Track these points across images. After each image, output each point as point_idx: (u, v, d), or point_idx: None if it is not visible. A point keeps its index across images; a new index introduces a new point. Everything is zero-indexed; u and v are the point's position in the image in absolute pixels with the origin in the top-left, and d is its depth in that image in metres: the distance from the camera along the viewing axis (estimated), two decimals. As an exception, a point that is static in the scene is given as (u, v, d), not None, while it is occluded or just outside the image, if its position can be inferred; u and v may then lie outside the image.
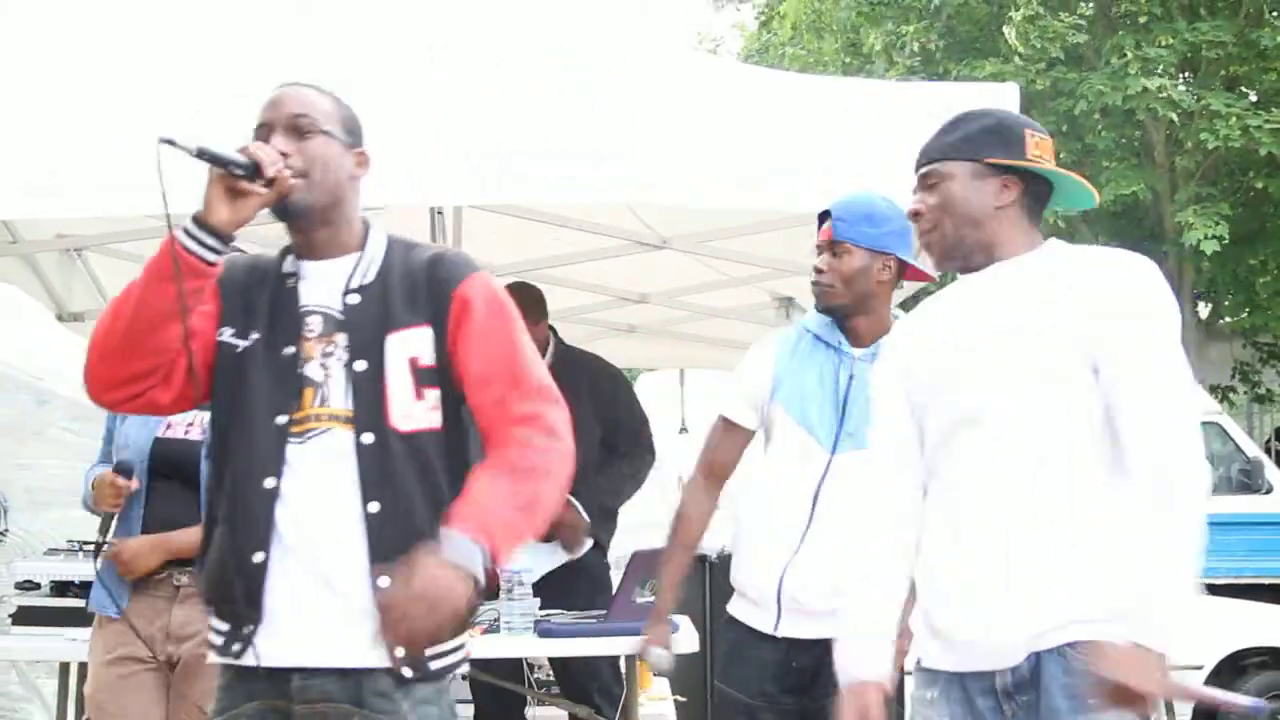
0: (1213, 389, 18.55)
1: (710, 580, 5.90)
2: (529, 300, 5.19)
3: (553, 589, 4.77)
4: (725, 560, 5.81)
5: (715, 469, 3.94)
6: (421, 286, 2.65)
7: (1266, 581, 10.59)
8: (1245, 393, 20.92)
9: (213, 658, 2.65)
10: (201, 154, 2.48)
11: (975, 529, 2.72)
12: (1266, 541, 10.90)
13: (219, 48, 4.12)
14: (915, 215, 2.88)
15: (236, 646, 2.58)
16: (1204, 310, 20.05)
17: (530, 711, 5.34)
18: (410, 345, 2.63)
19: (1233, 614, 8.88)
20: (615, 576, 5.25)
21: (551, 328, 5.34)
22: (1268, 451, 15.24)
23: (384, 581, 2.49)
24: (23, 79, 4.02)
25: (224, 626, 2.62)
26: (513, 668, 4.99)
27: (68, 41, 4.06)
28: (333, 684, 2.54)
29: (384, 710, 2.54)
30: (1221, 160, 17.85)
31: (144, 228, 4.93)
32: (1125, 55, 16.20)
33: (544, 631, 4.27)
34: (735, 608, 3.89)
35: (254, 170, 2.52)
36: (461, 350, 2.63)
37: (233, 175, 2.50)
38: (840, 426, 3.72)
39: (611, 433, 5.23)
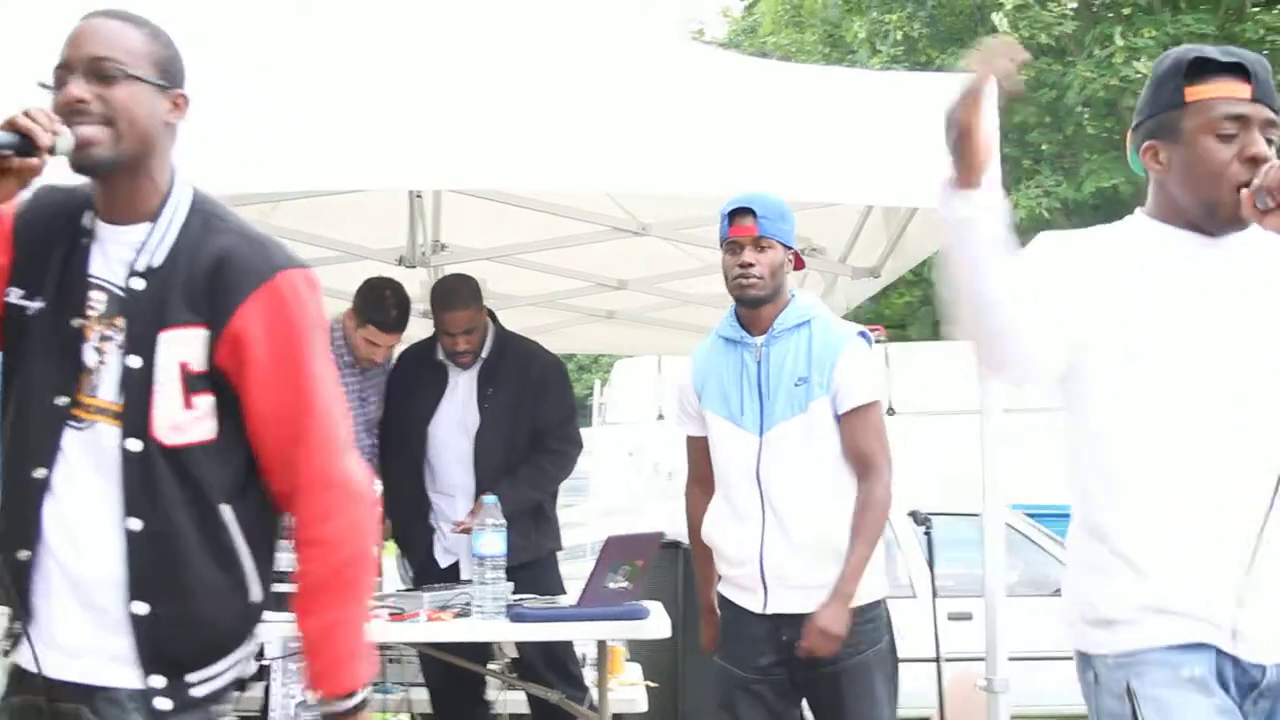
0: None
1: (683, 568, 5.91)
2: (465, 285, 5.19)
3: None
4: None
5: (701, 478, 4.27)
6: (202, 284, 2.34)
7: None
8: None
9: None
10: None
11: (1222, 507, 2.47)
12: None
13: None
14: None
15: (5, 644, 2.39)
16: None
17: (492, 695, 5.34)
18: (183, 347, 2.33)
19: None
20: (587, 564, 5.27)
21: (491, 314, 5.33)
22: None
23: (140, 608, 2.30)
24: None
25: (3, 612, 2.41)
26: (472, 652, 4.98)
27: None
28: (79, 696, 2.32)
29: (112, 703, 2.31)
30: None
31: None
32: (1110, 45, 16.25)
33: (516, 616, 4.27)
34: (725, 590, 4.14)
35: (26, 145, 2.18)
36: (240, 368, 2.35)
37: (1, 155, 2.18)
38: (761, 408, 4.02)
39: (540, 423, 5.24)
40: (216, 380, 2.35)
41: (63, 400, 2.33)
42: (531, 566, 5.04)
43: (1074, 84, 16.52)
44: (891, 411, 10.90)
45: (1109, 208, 18.76)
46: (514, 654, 5.16)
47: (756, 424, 4.02)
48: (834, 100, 4.34)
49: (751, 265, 4.01)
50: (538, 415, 5.21)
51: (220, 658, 2.40)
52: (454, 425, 5.20)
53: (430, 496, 5.21)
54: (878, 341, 12.69)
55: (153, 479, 2.30)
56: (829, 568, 3.93)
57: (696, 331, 7.44)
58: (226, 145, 3.90)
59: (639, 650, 5.62)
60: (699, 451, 4.26)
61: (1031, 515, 8.71)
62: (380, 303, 5.19)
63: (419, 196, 5.67)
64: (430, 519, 5.22)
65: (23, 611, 2.33)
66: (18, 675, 2.37)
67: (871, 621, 4.02)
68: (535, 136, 4.10)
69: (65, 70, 2.30)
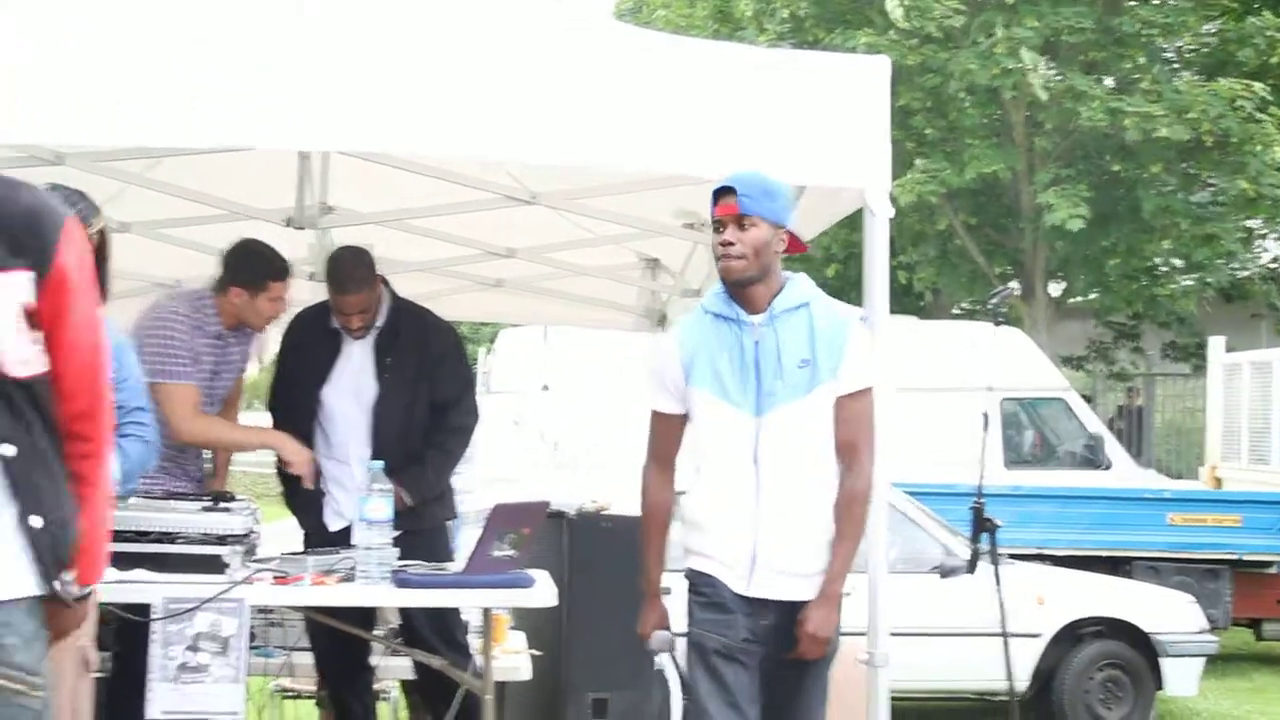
0: (1065, 360, 19.04)
1: (569, 538, 5.92)
2: (356, 262, 5.17)
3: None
4: (585, 518, 5.87)
5: (663, 455, 4.13)
6: (26, 233, 2.61)
7: (1103, 554, 10.87)
8: (1099, 370, 21.47)
9: None
10: None
11: None
12: (1105, 516, 11.19)
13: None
14: None
15: None
16: (1056, 289, 20.49)
17: (376, 660, 5.33)
18: (17, 290, 2.59)
19: (1069, 585, 9.12)
20: (473, 532, 5.26)
21: (385, 281, 5.31)
22: (1111, 429, 15.65)
23: (36, 521, 2.57)
24: None
25: None
26: (357, 617, 4.96)
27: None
28: None
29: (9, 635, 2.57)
30: (1079, 143, 18.25)
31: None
32: (993, 34, 16.48)
33: (402, 582, 4.26)
34: (703, 565, 4.02)
35: None
36: (54, 312, 2.63)
37: None
38: (759, 390, 3.92)
39: (440, 395, 5.25)
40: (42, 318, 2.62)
41: None
42: (424, 534, 5.06)
43: (956, 72, 16.73)
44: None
45: (990, 192, 19.09)
46: (399, 620, 5.15)
47: (753, 405, 3.92)
48: (726, 75, 4.36)
49: (732, 244, 3.91)
50: (436, 386, 5.22)
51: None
52: (348, 393, 5.18)
53: (322, 462, 5.18)
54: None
55: (13, 406, 2.56)
56: (819, 555, 3.92)
57: (583, 303, 7.48)
58: (105, 95, 3.83)
59: (524, 619, 5.63)
60: (667, 428, 4.11)
61: (911, 494, 8.85)
62: (266, 258, 5.17)
63: (307, 157, 5.60)
64: (321, 483, 5.19)
65: None
66: None
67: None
68: (427, 101, 4.08)
69: None
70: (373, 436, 5.14)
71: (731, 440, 3.94)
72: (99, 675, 4.54)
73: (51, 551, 2.60)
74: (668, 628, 4.11)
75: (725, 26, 19.83)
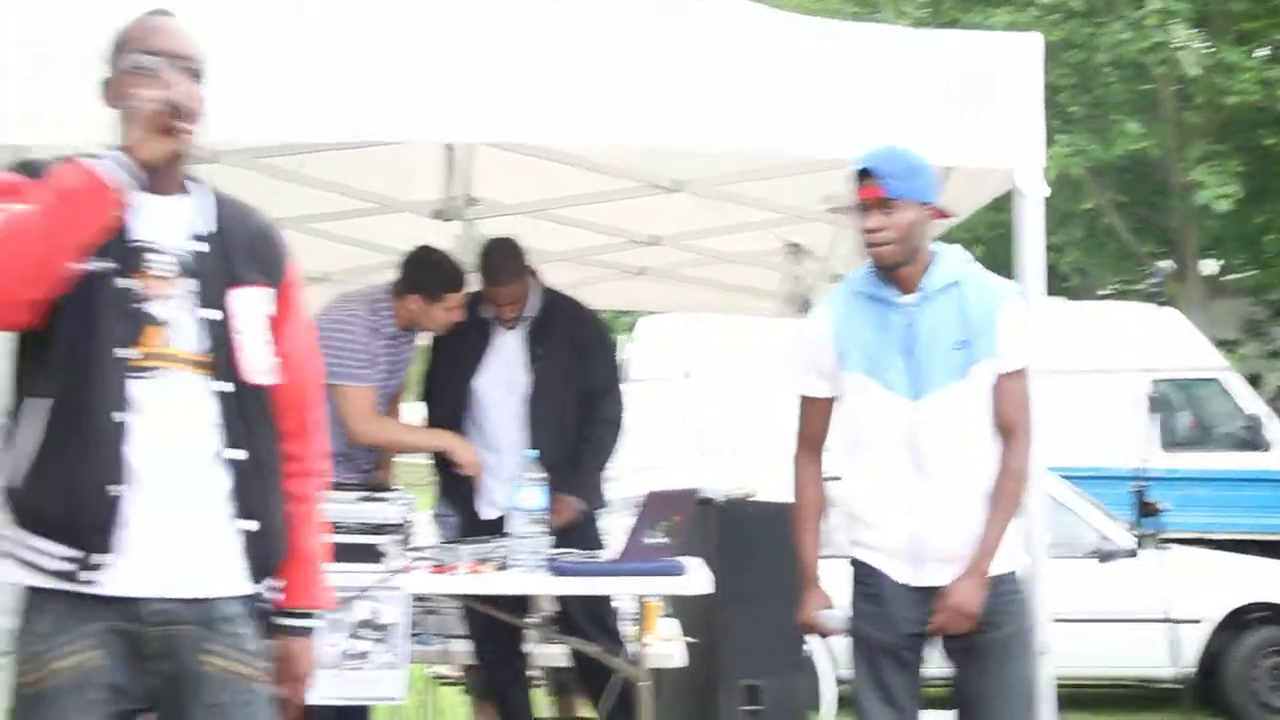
0: (1220, 343, 18.57)
1: (718, 524, 5.91)
2: (509, 254, 5.19)
3: None
4: (733, 504, 5.84)
5: (812, 440, 4.03)
6: (262, 250, 2.75)
7: (1266, 538, 10.60)
8: (1256, 350, 20.92)
9: (41, 583, 2.59)
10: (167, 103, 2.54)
11: None
12: (1267, 498, 10.91)
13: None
14: None
15: (86, 575, 2.56)
16: (1212, 267, 20.02)
17: (531, 648, 5.36)
18: (258, 303, 2.72)
19: (1234, 570, 8.91)
20: (619, 520, 5.27)
21: (535, 271, 5.33)
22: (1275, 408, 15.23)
23: (250, 525, 2.65)
24: None
25: (69, 553, 2.57)
26: (513, 605, 5.00)
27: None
28: (185, 609, 2.61)
29: (228, 633, 2.64)
30: (1230, 117, 17.79)
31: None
32: (1142, 7, 16.11)
33: (556, 570, 4.28)
34: (864, 555, 3.93)
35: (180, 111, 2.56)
36: (279, 325, 2.75)
37: (176, 116, 2.54)
38: (915, 373, 3.81)
39: (590, 385, 5.26)
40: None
41: (123, 352, 2.56)
42: (576, 525, 5.07)
43: (1104, 45, 16.38)
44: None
45: (1138, 170, 18.69)
46: (553, 608, 5.18)
47: (910, 389, 3.80)
48: (870, 57, 4.31)
49: (877, 230, 3.77)
50: (587, 376, 5.26)
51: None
52: (501, 383, 5.22)
53: (477, 451, 5.21)
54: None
55: (248, 412, 2.66)
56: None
57: (727, 289, 7.46)
58: (261, 95, 3.90)
59: (676, 606, 5.62)
60: (817, 413, 4.00)
61: (1064, 478, 8.70)
62: (444, 269, 5.21)
63: (453, 150, 5.65)
64: None
65: (107, 541, 2.54)
66: (89, 603, 2.56)
67: (1011, 595, 3.88)
68: (571, 91, 4.10)
69: (162, 60, 2.61)
70: (529, 426, 5.17)
71: (888, 426, 3.83)
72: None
73: (262, 557, 2.68)
74: (832, 606, 3.98)
75: (862, 8, 19.62)
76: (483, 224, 6.08)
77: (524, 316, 5.26)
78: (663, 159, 5.61)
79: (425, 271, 5.17)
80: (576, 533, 5.04)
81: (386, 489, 4.49)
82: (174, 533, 2.58)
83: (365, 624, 3.99)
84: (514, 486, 4.41)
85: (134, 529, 2.55)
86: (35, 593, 2.60)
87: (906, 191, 3.78)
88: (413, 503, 4.46)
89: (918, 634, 3.84)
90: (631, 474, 7.69)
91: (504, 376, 5.25)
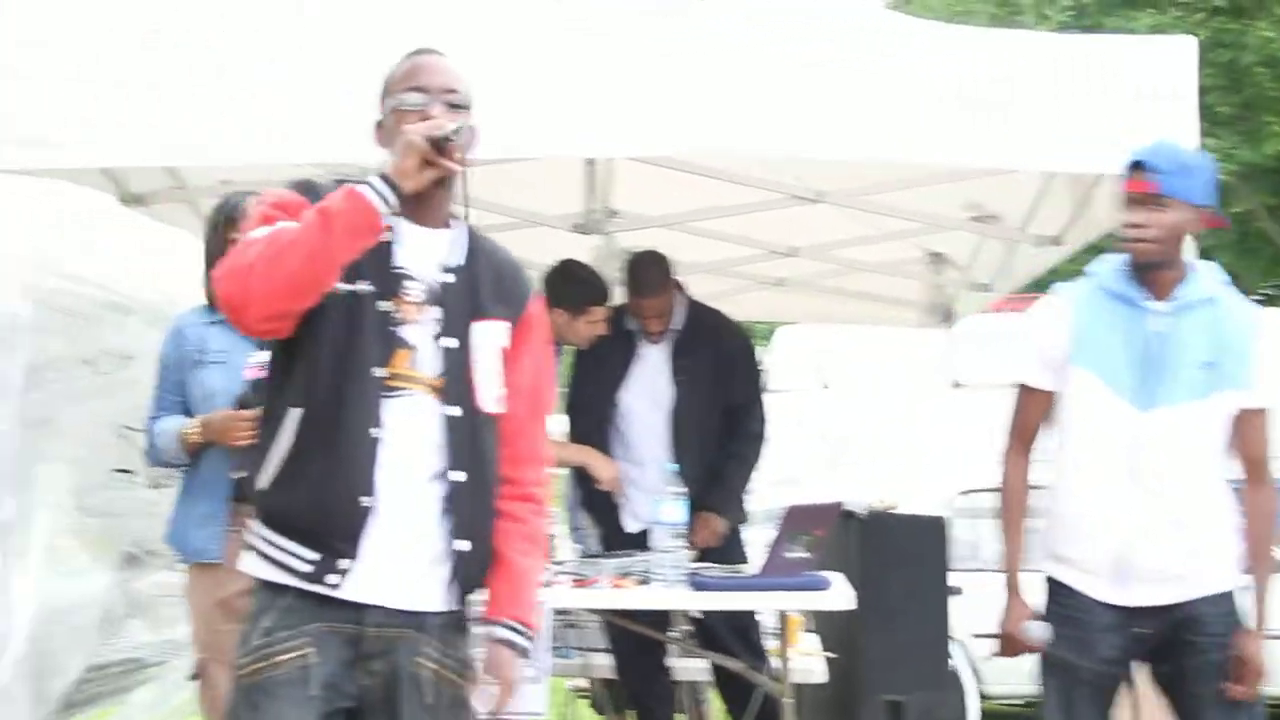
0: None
1: (860, 538, 5.86)
2: (655, 267, 5.20)
3: None
4: (875, 518, 5.80)
5: (1024, 434, 3.89)
6: (507, 286, 2.87)
7: None
8: None
9: (281, 579, 2.74)
10: (448, 137, 2.62)
11: None
12: None
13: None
14: None
15: (331, 578, 2.71)
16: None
17: (673, 661, 5.37)
18: (496, 335, 2.83)
19: None
20: (759, 532, 5.25)
21: (680, 286, 5.33)
22: None
23: (463, 545, 2.75)
24: (177, 34, 4.11)
25: (313, 556, 2.72)
26: (653, 619, 5.01)
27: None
28: (404, 618, 2.74)
29: (443, 640, 2.78)
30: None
31: (300, 176, 4.99)
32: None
33: (698, 585, 4.27)
34: (1064, 575, 3.79)
35: (446, 143, 2.64)
36: (515, 355, 2.86)
37: (439, 148, 2.62)
38: (1152, 384, 3.64)
39: (732, 399, 5.26)
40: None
41: (379, 372, 2.72)
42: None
43: (1252, 44, 16.03)
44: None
45: (1289, 171, 18.22)
46: (695, 621, 5.18)
47: (1140, 398, 3.63)
48: (1009, 64, 4.25)
49: (1142, 226, 3.60)
50: (730, 390, 5.25)
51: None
52: (645, 396, 5.24)
53: (620, 464, 5.24)
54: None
55: (473, 437, 2.77)
56: (1196, 556, 3.65)
57: (867, 299, 7.41)
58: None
59: (817, 621, 5.60)
60: (1035, 406, 3.83)
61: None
62: (591, 282, 5.25)
63: (593, 163, 5.68)
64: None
65: (353, 549, 2.70)
66: (318, 603, 2.71)
67: (1229, 615, 3.70)
68: (710, 103, 4.10)
69: (424, 95, 2.77)
70: (670, 439, 5.16)
71: (1109, 432, 3.66)
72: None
73: (470, 577, 2.79)
74: (1037, 618, 3.81)
75: (1003, 11, 19.36)
76: (623, 237, 6.09)
77: (669, 329, 5.26)
78: (803, 169, 5.59)
79: (569, 285, 5.20)
80: (720, 547, 5.03)
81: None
82: (400, 546, 2.72)
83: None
84: (656, 501, 4.41)
85: (373, 539, 2.70)
86: (266, 589, 2.76)
87: (1180, 190, 3.60)
88: (554, 517, 4.48)
89: (1118, 659, 3.71)
90: (771, 486, 7.66)
91: (648, 390, 5.27)
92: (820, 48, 4.20)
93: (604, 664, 5.36)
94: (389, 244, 2.75)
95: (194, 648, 4.19)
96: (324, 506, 2.70)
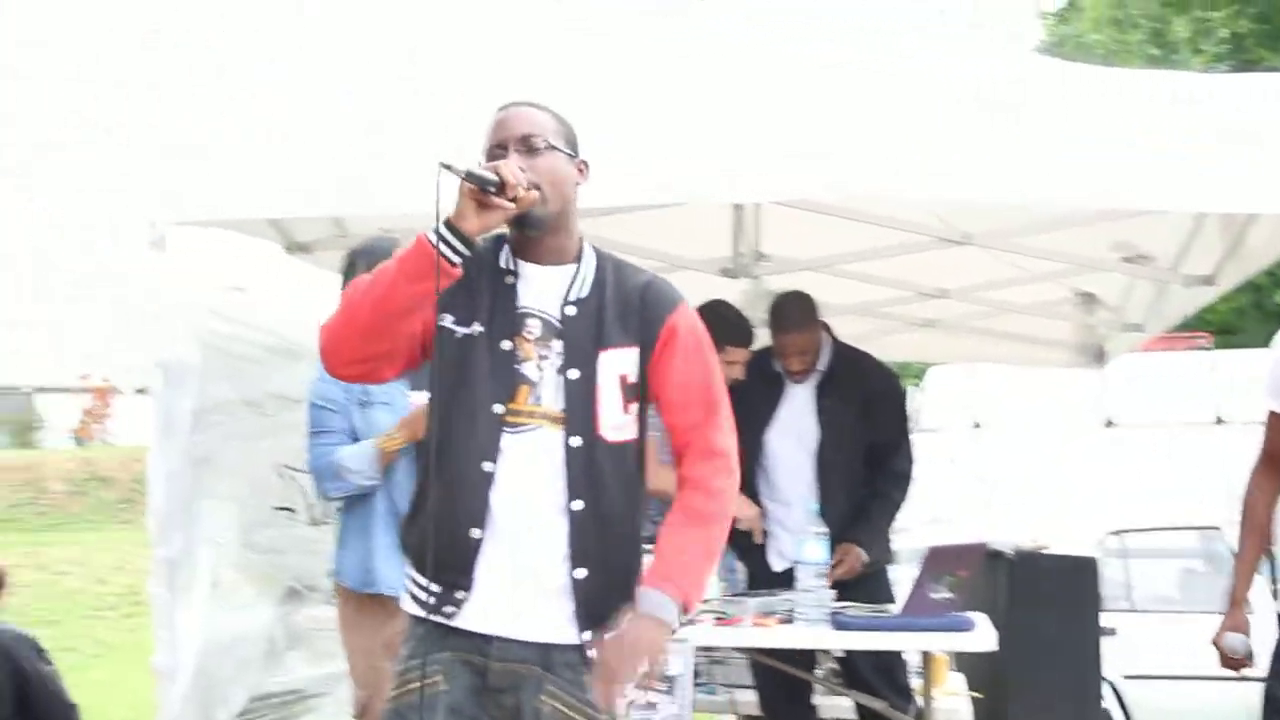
0: None
1: (1008, 577, 5.84)
2: (799, 304, 5.25)
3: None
4: (1024, 557, 5.78)
5: (1272, 458, 3.98)
6: (634, 311, 2.91)
7: None
8: None
9: (415, 611, 2.91)
10: (468, 176, 2.72)
11: None
12: None
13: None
14: None
15: (449, 609, 2.85)
16: None
17: (819, 700, 5.39)
18: (620, 363, 2.89)
19: None
20: (907, 571, 5.26)
21: (827, 327, 5.38)
22: None
23: (580, 573, 2.82)
24: (323, 79, 4.27)
25: (435, 588, 2.87)
26: (799, 657, 5.04)
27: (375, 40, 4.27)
28: (527, 651, 2.84)
29: (568, 678, 2.84)
30: None
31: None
32: None
33: (840, 624, 4.31)
34: None
35: (500, 188, 2.74)
36: (662, 373, 2.92)
37: (485, 191, 2.73)
38: None
39: (878, 438, 5.27)
40: (642, 390, 2.91)
41: (499, 408, 2.84)
42: (865, 578, 5.10)
43: None
44: (1219, 421, 10.51)
45: None
46: (836, 660, 5.20)
47: None
48: (1161, 104, 4.23)
49: None
50: (876, 430, 5.27)
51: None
52: (790, 436, 5.29)
53: (766, 504, 5.30)
54: (1204, 349, 12.18)
55: (594, 466, 2.84)
56: None
57: (1017, 340, 7.39)
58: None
59: (962, 661, 5.59)
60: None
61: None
62: (734, 323, 5.31)
63: (741, 208, 5.76)
64: (765, 524, 5.31)
65: (467, 580, 2.83)
66: (445, 633, 2.86)
67: None
68: (856, 148, 4.11)
69: (501, 150, 2.86)
70: (816, 479, 5.21)
71: None
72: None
73: (592, 605, 2.84)
74: (1247, 633, 3.84)
75: (1160, 49, 19.12)
76: (771, 280, 6.16)
77: (815, 370, 5.31)
78: (949, 212, 5.61)
79: (710, 324, 5.27)
80: (867, 586, 5.05)
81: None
82: (517, 577, 2.82)
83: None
84: (798, 541, 4.46)
85: (487, 570, 2.82)
86: (410, 620, 2.93)
87: None
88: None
89: None
90: (921, 526, 7.67)
91: (794, 429, 5.31)
92: (961, 91, 4.23)
93: (750, 701, 5.40)
94: (513, 286, 2.89)
95: (354, 683, 4.31)
96: (440, 539, 2.81)
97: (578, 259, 2.94)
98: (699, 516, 2.89)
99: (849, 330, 6.37)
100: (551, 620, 2.84)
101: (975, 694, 5.40)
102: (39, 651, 5.57)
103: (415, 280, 2.76)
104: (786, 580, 5.02)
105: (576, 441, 2.84)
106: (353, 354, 2.85)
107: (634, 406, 2.91)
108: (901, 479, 5.35)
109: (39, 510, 22.82)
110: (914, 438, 5.57)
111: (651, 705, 4.07)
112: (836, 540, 4.98)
